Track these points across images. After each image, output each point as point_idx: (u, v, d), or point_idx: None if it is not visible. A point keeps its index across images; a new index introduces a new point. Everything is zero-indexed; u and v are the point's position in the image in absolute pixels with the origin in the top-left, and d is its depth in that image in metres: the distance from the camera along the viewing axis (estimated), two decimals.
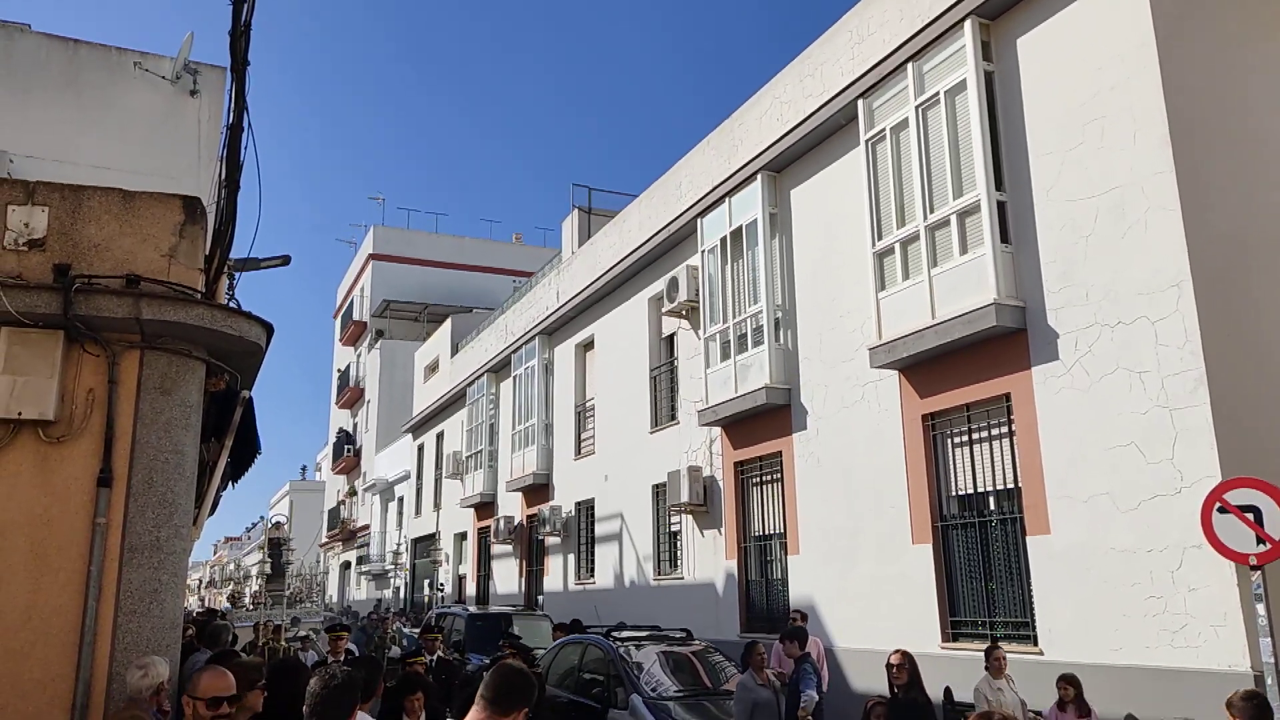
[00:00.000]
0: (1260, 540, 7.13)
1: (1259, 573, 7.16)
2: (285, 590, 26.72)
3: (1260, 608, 7.14)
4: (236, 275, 8.02)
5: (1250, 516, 7.21)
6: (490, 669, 3.22)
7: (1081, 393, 8.61)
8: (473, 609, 17.42)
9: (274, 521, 27.95)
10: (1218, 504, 7.32)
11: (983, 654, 9.48)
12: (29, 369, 5.15)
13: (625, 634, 11.44)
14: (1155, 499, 7.90)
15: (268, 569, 25.64)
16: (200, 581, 67.74)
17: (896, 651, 7.37)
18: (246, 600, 25.14)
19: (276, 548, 26.97)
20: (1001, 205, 9.57)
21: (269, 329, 6.05)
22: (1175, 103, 8.05)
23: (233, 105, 6.44)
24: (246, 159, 6.67)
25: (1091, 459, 8.46)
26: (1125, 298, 8.25)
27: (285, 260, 11.66)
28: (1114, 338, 8.32)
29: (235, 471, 8.46)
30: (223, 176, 6.65)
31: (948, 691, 7.69)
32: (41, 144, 9.79)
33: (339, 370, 49.06)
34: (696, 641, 11.73)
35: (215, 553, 79.05)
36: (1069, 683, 7.54)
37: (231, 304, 6.53)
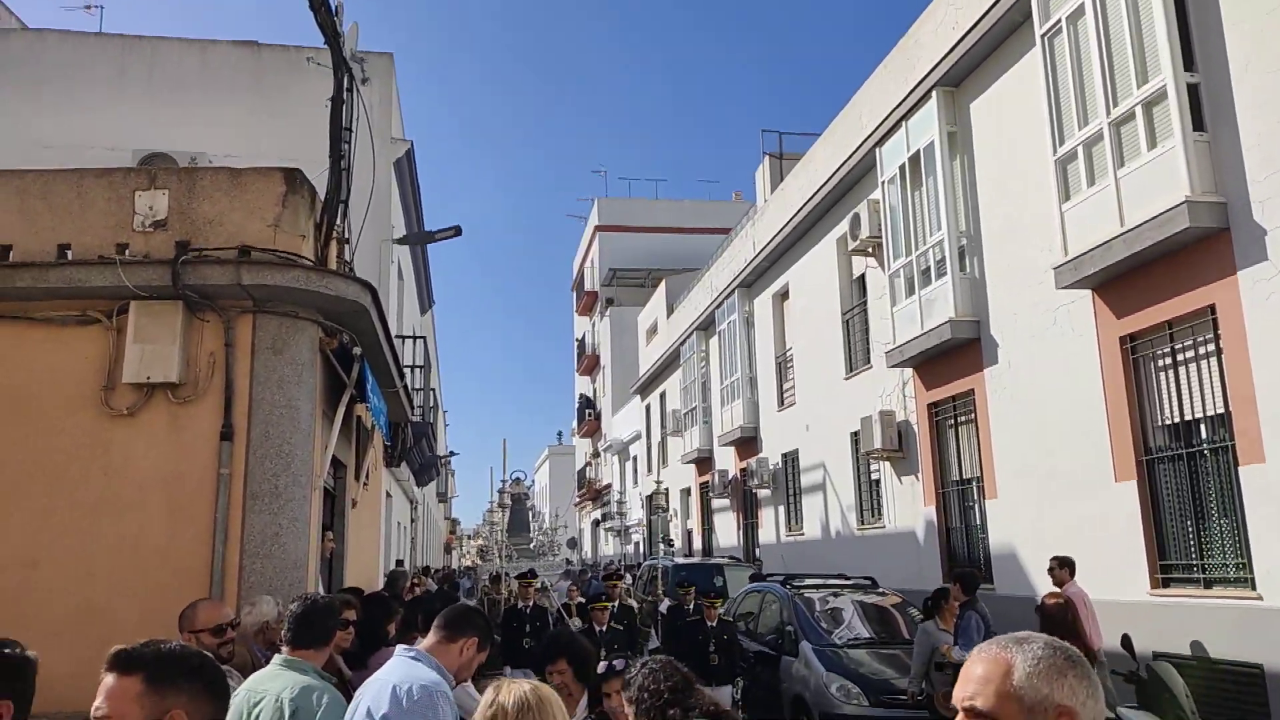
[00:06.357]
0: None
1: None
2: (529, 544, 28.45)
3: None
4: (352, 241, 8.51)
5: None
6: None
7: None
8: (679, 560, 17.72)
9: (512, 478, 29.94)
10: None
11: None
12: (154, 337, 5.77)
13: (804, 582, 11.23)
14: None
15: (494, 520, 27.44)
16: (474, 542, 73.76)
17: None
18: (495, 555, 27.06)
19: (519, 502, 28.72)
20: (1193, 88, 8.19)
21: (370, 289, 6.39)
22: None
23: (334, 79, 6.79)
24: (357, 130, 7.02)
25: None
26: None
27: (457, 231, 12.31)
28: None
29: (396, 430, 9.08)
30: (339, 150, 7.04)
31: (1125, 639, 6.81)
32: (234, 143, 10.91)
33: (577, 340, 51.34)
34: (884, 591, 11.27)
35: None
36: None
37: (346, 269, 6.97)
